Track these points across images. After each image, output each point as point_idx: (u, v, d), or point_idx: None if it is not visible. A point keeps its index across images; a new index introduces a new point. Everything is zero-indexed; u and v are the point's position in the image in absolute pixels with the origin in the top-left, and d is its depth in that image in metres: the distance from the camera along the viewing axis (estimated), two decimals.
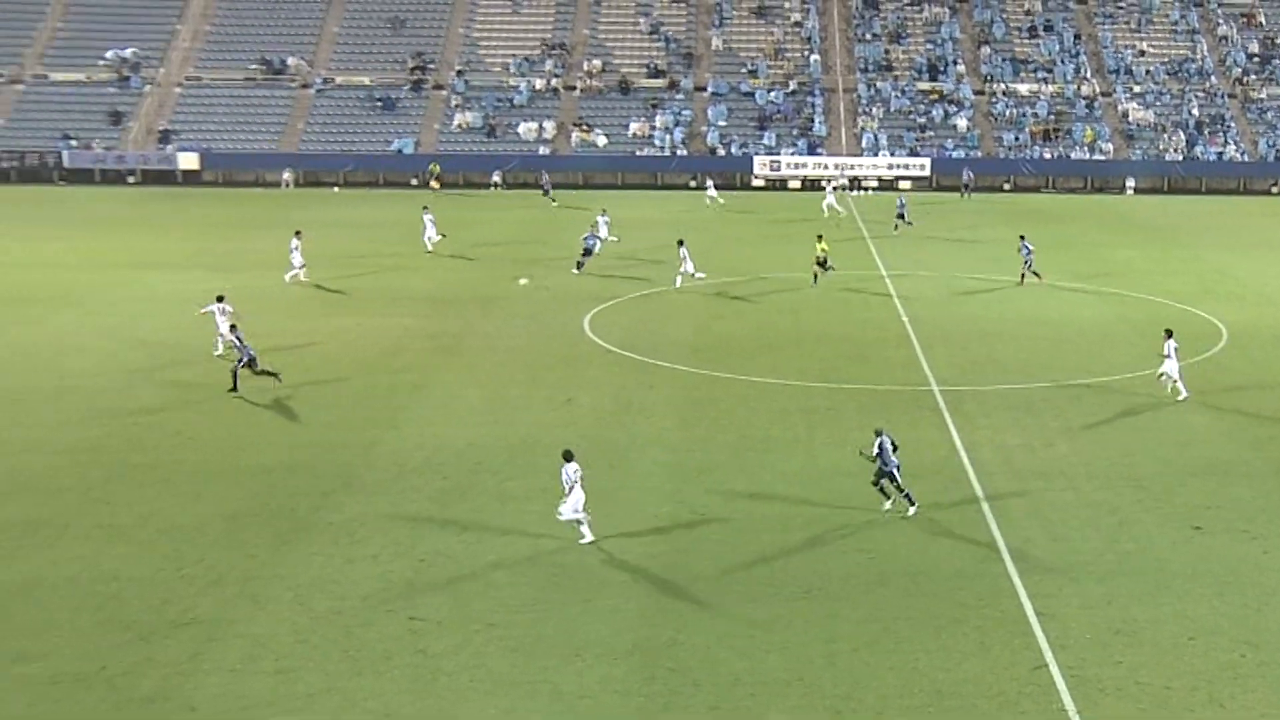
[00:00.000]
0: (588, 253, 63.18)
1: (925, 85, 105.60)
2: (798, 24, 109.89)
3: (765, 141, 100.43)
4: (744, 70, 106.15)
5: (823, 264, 61.83)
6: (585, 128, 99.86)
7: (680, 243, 61.68)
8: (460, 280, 62.03)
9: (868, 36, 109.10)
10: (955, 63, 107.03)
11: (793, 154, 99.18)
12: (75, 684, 25.80)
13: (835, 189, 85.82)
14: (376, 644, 27.24)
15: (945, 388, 45.38)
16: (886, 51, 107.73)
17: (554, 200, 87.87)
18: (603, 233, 69.66)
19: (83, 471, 37.42)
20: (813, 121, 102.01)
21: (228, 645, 27.27)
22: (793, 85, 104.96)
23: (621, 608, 28.83)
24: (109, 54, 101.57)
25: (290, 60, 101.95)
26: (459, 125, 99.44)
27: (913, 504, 34.53)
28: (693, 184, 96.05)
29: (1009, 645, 27.16)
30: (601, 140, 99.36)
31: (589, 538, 32.70)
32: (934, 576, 30.48)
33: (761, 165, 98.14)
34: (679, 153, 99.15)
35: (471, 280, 61.94)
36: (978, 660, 26.54)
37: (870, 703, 24.93)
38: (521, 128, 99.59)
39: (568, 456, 33.07)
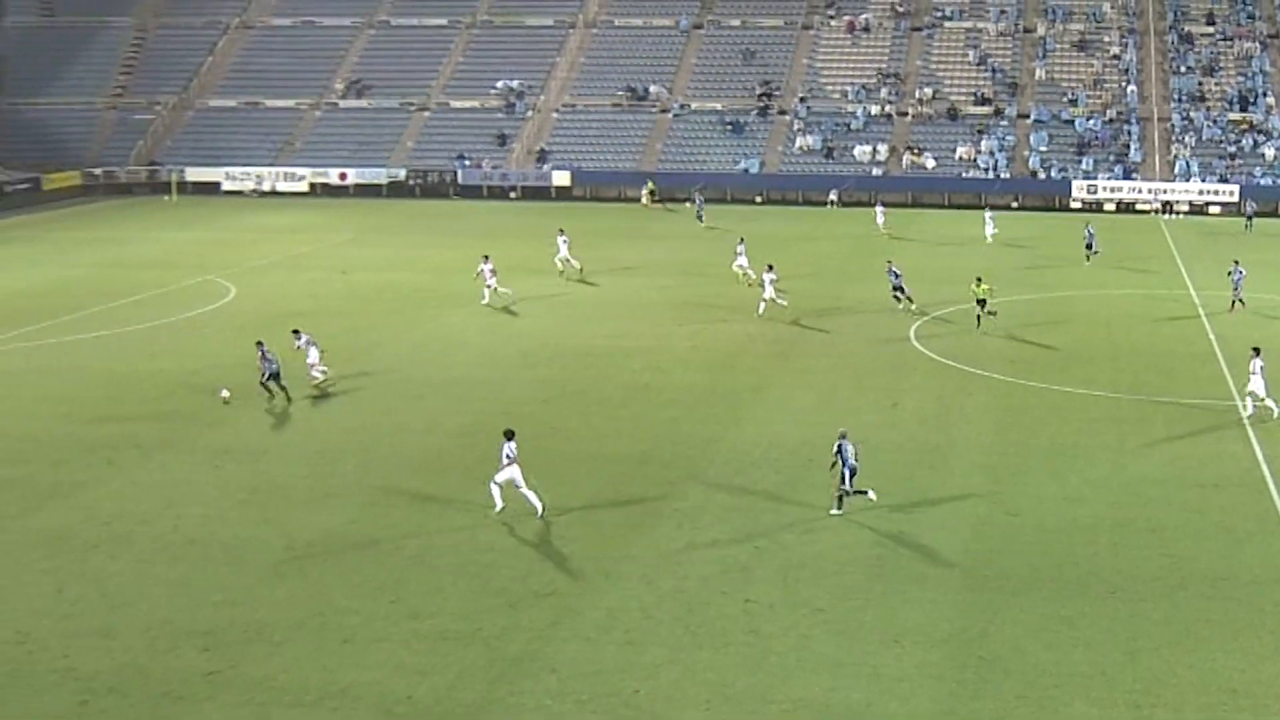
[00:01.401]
0: (899, 289, 58.38)
1: (1236, 116, 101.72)
2: (1116, 57, 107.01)
3: (1083, 166, 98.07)
4: (1065, 99, 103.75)
5: (982, 305, 54.38)
6: (916, 151, 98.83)
7: (770, 267, 57.73)
8: (797, 291, 61.79)
9: (1182, 69, 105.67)
10: (1265, 95, 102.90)
11: (1109, 179, 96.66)
12: (457, 641, 26.69)
13: (993, 216, 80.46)
14: (714, 622, 27.46)
15: None
16: (1200, 83, 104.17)
17: (701, 221, 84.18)
18: (742, 261, 65.32)
19: (464, 453, 38.55)
20: (1128, 148, 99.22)
21: (583, 616, 27.84)
22: (1110, 114, 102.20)
23: (939, 599, 28.56)
24: (499, 84, 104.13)
25: (652, 88, 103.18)
26: (800, 147, 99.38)
27: (840, 507, 33.64)
28: (1014, 204, 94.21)
29: None
30: (930, 163, 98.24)
31: (499, 506, 33.51)
32: (1233, 582, 29.43)
33: (1079, 189, 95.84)
34: (1002, 176, 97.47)
35: (807, 292, 61.61)
36: (1273, 663, 25.58)
37: (1169, 699, 24.22)
38: (857, 150, 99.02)
39: (509, 435, 33.87)
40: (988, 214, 79.72)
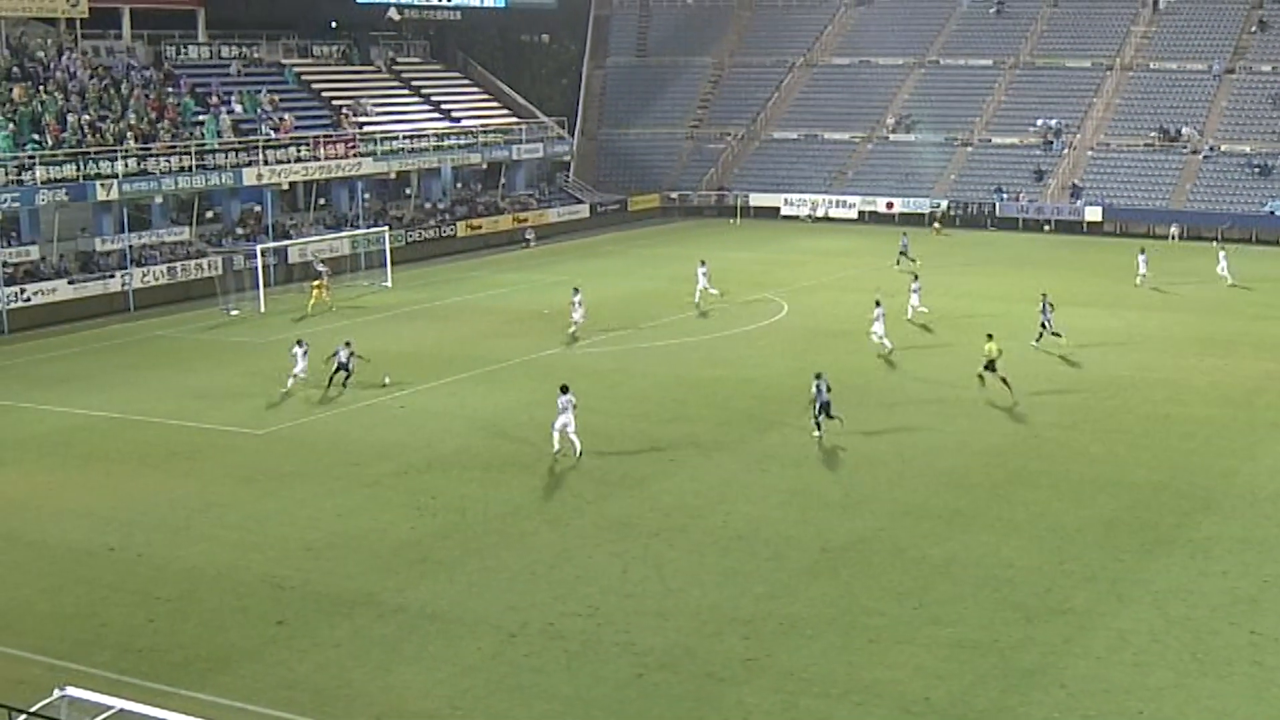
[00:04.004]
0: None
1: None
2: None
3: None
4: None
5: (990, 367, 46.29)
6: None
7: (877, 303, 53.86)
8: None
9: None
10: None
11: None
12: (974, 649, 26.37)
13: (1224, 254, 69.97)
14: (1220, 651, 26.18)
15: None
16: None
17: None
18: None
19: (990, 471, 38.06)
20: None
21: (1094, 635, 27.04)
22: None
23: None
24: (1038, 122, 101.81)
25: (1184, 130, 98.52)
26: None
27: (819, 432, 40.84)
28: None
29: None
30: None
31: (579, 448, 38.90)
32: None
33: None
34: None
35: None
36: None
37: None
38: None
39: (564, 390, 39.03)
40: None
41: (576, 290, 57.86)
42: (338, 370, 47.87)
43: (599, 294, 67.22)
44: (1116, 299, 65.41)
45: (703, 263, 65.59)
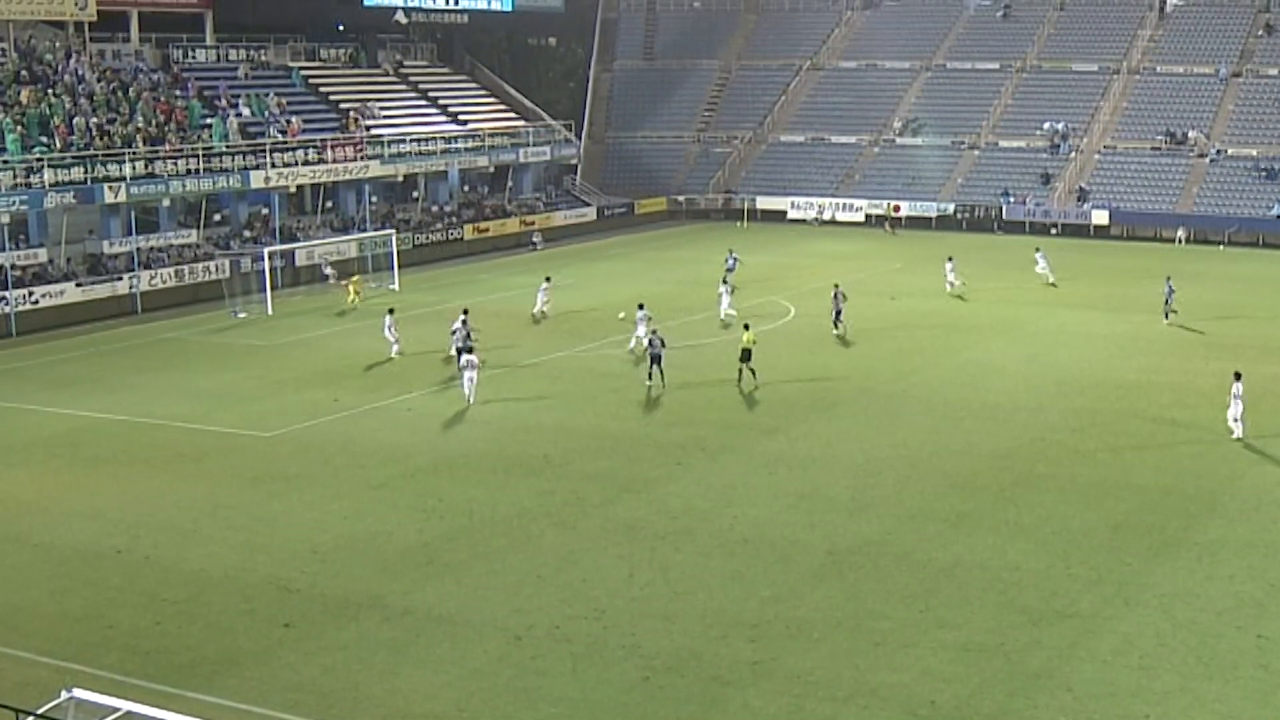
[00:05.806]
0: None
1: None
2: None
3: None
4: None
5: (745, 356, 48.57)
6: None
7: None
8: None
9: None
10: None
11: None
12: (980, 652, 26.36)
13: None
14: (1225, 654, 26.15)
15: None
16: None
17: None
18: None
19: (997, 475, 38.00)
20: None
21: (1101, 638, 27.01)
22: None
23: None
24: (1045, 126, 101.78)
25: (1191, 133, 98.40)
26: None
27: (650, 381, 47.55)
28: None
29: None
30: None
31: (473, 400, 45.42)
32: None
33: None
34: None
35: None
36: None
37: None
38: None
39: (469, 350, 46.71)
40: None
41: (465, 311, 55.83)
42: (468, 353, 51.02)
43: (606, 297, 67.26)
44: (1123, 301, 65.40)
45: (548, 279, 65.45)
